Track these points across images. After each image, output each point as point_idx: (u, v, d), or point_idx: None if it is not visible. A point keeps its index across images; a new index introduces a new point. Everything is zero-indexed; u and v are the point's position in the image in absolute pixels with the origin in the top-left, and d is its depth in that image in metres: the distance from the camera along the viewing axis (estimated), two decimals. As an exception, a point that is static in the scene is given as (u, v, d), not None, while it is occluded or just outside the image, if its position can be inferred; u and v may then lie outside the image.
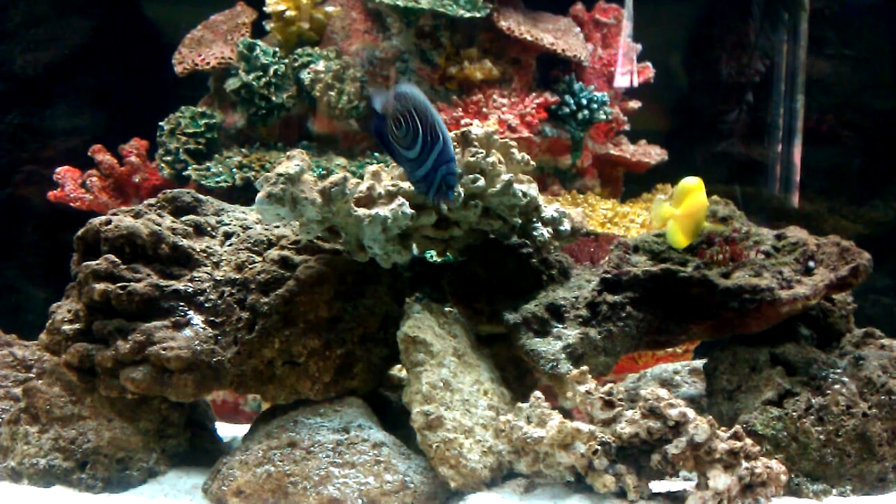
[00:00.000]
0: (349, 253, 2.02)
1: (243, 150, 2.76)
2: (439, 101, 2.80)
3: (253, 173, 2.64)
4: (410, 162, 1.80)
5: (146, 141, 2.88)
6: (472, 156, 2.04)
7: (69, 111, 3.26)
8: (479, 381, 2.00)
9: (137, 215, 2.08)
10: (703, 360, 2.37)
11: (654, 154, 3.00)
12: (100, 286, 1.95)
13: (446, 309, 2.10)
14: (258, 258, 2.05)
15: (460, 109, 2.74)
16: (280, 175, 1.89)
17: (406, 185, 1.97)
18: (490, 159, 2.05)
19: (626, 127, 3.04)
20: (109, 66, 3.40)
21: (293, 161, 1.93)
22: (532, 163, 2.12)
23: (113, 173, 2.81)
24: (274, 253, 2.04)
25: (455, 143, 2.07)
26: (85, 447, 1.96)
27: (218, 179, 2.63)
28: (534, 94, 2.79)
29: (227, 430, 2.43)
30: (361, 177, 2.05)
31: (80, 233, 2.07)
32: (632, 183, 3.11)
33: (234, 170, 2.65)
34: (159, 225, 2.06)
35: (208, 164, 2.70)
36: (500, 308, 2.11)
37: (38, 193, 3.13)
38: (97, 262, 1.98)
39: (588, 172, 2.93)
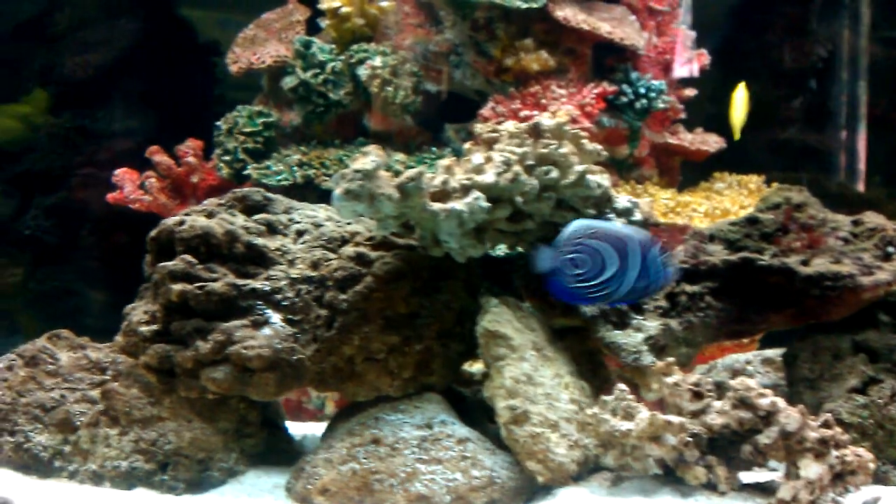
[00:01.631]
0: (424, 248, 2.00)
1: (301, 147, 2.75)
2: (495, 94, 2.78)
3: (313, 171, 2.63)
4: (613, 280, 1.79)
5: (201, 141, 2.87)
6: (545, 147, 2.02)
7: (120, 113, 3.27)
8: (560, 374, 1.98)
9: (210, 215, 2.08)
10: (775, 350, 2.35)
11: (712, 142, 2.96)
12: (177, 287, 1.94)
13: (521, 303, 2.08)
14: (333, 255, 2.04)
15: (518, 101, 2.72)
16: (357, 171, 1.88)
17: (480, 177, 1.95)
18: (562, 150, 2.02)
19: (682, 115, 3.01)
20: (158, 67, 3.40)
21: (369, 157, 1.91)
22: (604, 153, 2.10)
23: (171, 174, 2.80)
24: (349, 250, 2.03)
25: (526, 136, 2.05)
26: (166, 448, 1.96)
27: (279, 178, 2.62)
28: (591, 84, 2.77)
29: (296, 429, 2.42)
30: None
31: (153, 233, 2.07)
32: (688, 172, 3.08)
33: (295, 168, 2.64)
34: (232, 224, 2.05)
35: (268, 162, 2.69)
36: (576, 300, 2.09)
37: (94, 196, 3.14)
38: (174, 262, 1.97)
39: (646, 162, 2.90)
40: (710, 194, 2.87)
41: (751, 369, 2.35)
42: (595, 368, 2.18)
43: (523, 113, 2.67)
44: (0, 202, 3.30)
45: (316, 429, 2.44)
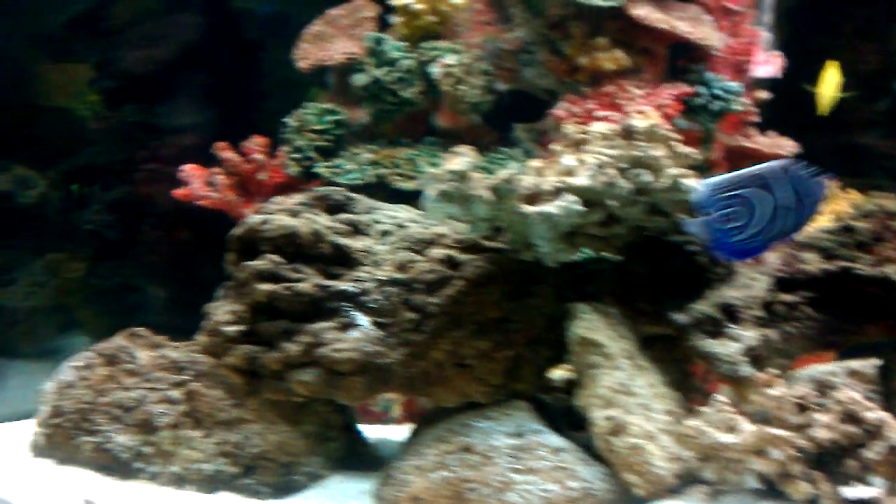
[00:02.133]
0: (514, 251, 1.96)
1: (371, 146, 2.71)
2: (568, 93, 2.72)
3: (384, 170, 2.59)
4: (774, 217, 1.76)
5: (267, 138, 2.84)
6: (637, 150, 1.97)
7: (181, 108, 3.24)
8: (653, 384, 1.93)
9: (294, 214, 2.04)
10: (863, 362, 2.29)
11: (786, 146, 2.90)
12: (264, 287, 1.91)
13: (610, 310, 2.03)
14: (419, 257, 2.00)
15: (592, 101, 2.67)
16: (451, 172, 1.84)
17: (573, 180, 1.91)
18: (655, 153, 1.97)
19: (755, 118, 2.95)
20: (216, 62, 3.37)
21: (462, 158, 1.87)
22: (697, 156, 2.04)
23: (238, 171, 2.77)
24: (437, 252, 1.98)
25: (617, 137, 2.00)
26: (251, 451, 1.93)
27: (350, 176, 2.59)
28: (668, 84, 2.71)
29: (369, 432, 2.39)
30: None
31: (237, 232, 2.03)
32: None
33: (366, 166, 2.60)
34: (317, 223, 2.01)
35: (338, 161, 2.65)
36: (665, 308, 2.04)
37: (156, 191, 3.11)
38: (260, 261, 1.94)
39: (719, 165, 2.84)
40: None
41: (836, 381, 2.29)
42: (682, 378, 2.13)
43: (598, 113, 2.62)
44: (60, 197, 3.29)
45: (389, 433, 2.41)
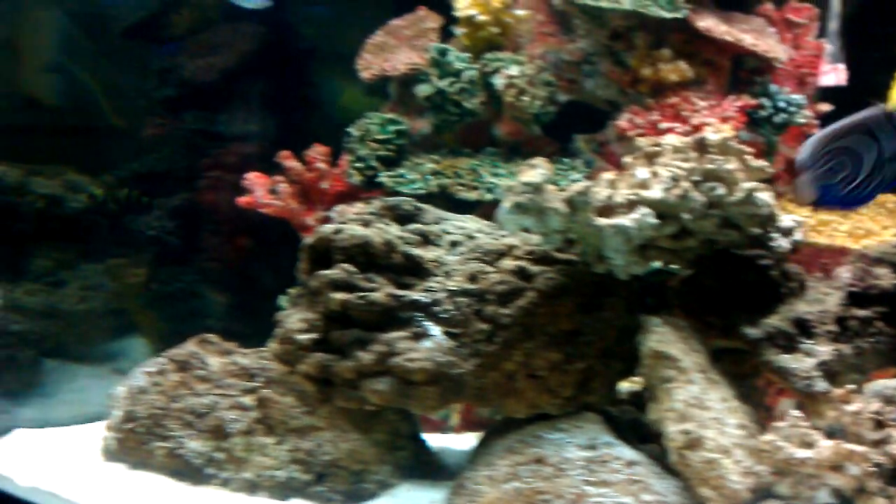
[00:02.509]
0: (586, 264, 1.96)
1: (433, 156, 2.72)
2: (631, 104, 2.72)
3: (447, 180, 2.60)
4: (880, 163, 1.75)
5: (328, 147, 2.87)
6: (710, 163, 1.96)
7: (242, 116, 3.28)
8: (725, 398, 1.92)
9: (366, 224, 2.06)
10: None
11: (849, 158, 2.87)
12: (338, 296, 1.92)
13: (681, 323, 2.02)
14: (490, 268, 2.01)
15: (656, 113, 2.66)
16: (526, 185, 1.85)
17: (647, 192, 1.91)
18: (729, 166, 1.97)
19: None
20: (275, 71, 3.41)
21: (537, 170, 1.88)
22: (771, 169, 2.03)
23: (300, 179, 2.80)
24: (509, 263, 1.99)
25: (690, 150, 2.00)
26: (323, 459, 1.94)
27: (414, 186, 2.60)
28: (731, 96, 2.70)
29: (431, 441, 2.40)
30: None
31: (310, 241, 2.05)
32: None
33: (429, 176, 2.62)
34: (389, 233, 2.03)
35: (401, 170, 2.67)
36: (736, 322, 2.03)
37: (218, 198, 3.15)
38: (334, 271, 1.95)
39: (781, 178, 2.82)
40: (846, 213, 2.78)
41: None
42: (749, 392, 2.12)
43: (662, 125, 2.62)
44: (114, 202, 3.33)
45: (450, 441, 2.41)
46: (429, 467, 2.14)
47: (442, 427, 2.68)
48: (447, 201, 2.62)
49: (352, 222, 2.06)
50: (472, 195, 2.58)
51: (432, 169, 2.65)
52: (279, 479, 1.93)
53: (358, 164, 2.72)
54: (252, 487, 1.95)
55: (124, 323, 3.53)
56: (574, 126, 2.90)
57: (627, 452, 1.84)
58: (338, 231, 2.01)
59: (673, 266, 2.14)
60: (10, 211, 3.30)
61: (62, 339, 3.36)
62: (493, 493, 1.81)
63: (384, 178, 2.67)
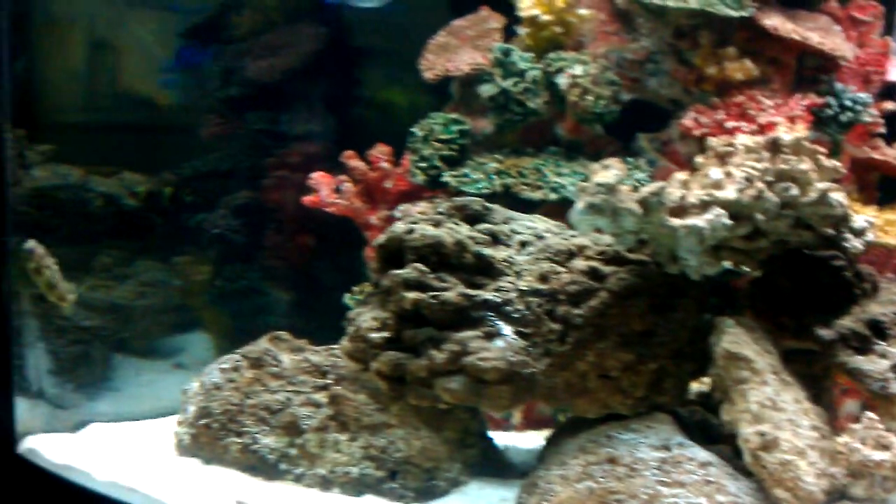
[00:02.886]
0: (658, 264, 1.96)
1: (495, 155, 2.73)
2: (695, 103, 2.71)
3: (511, 179, 2.61)
4: None
5: (390, 147, 2.89)
6: (784, 163, 1.95)
7: (304, 117, 3.31)
8: (798, 399, 1.91)
9: (437, 224, 2.07)
10: None
11: (916, 158, 2.84)
12: (411, 295, 1.94)
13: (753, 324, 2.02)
14: (560, 268, 2.02)
15: (722, 112, 2.65)
16: (600, 185, 1.85)
17: (720, 193, 1.90)
18: (802, 167, 1.96)
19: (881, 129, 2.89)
20: (334, 71, 3.43)
21: (611, 170, 1.88)
22: (843, 170, 2.02)
23: (364, 179, 2.82)
24: (580, 263, 2.00)
25: (763, 150, 1.99)
26: (396, 456, 1.97)
27: (478, 186, 2.61)
28: (798, 95, 2.68)
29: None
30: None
31: (382, 241, 2.08)
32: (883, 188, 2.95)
33: (493, 176, 2.63)
34: (460, 233, 2.04)
35: (464, 170, 2.68)
36: (809, 323, 2.02)
37: (282, 197, 3.19)
38: (407, 270, 1.97)
39: (845, 177, 2.79)
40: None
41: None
42: (820, 394, 2.11)
43: (728, 124, 2.60)
44: (184, 201, 3.38)
45: (514, 440, 2.42)
46: (497, 465, 2.15)
47: (504, 425, 2.69)
48: (509, 201, 2.63)
49: (423, 222, 2.08)
50: (537, 195, 2.58)
51: (496, 168, 2.66)
52: (353, 475, 1.95)
53: (421, 164, 2.74)
54: (325, 483, 1.98)
55: (184, 319, 3.59)
56: (636, 125, 2.89)
57: (701, 453, 1.84)
58: (410, 231, 2.04)
59: (742, 267, 2.13)
60: (74, 209, 3.37)
61: (124, 334, 3.42)
62: (566, 493, 1.82)
63: (448, 177, 2.69)
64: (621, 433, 1.90)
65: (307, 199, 2.81)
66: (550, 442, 2.03)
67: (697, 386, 2.18)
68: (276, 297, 3.18)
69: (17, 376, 2.49)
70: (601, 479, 1.81)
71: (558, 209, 2.50)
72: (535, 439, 2.43)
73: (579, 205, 1.86)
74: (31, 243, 2.55)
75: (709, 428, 2.09)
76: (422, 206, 2.72)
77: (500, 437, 2.41)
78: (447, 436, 2.01)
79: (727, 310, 2.04)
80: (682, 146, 2.76)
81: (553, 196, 2.57)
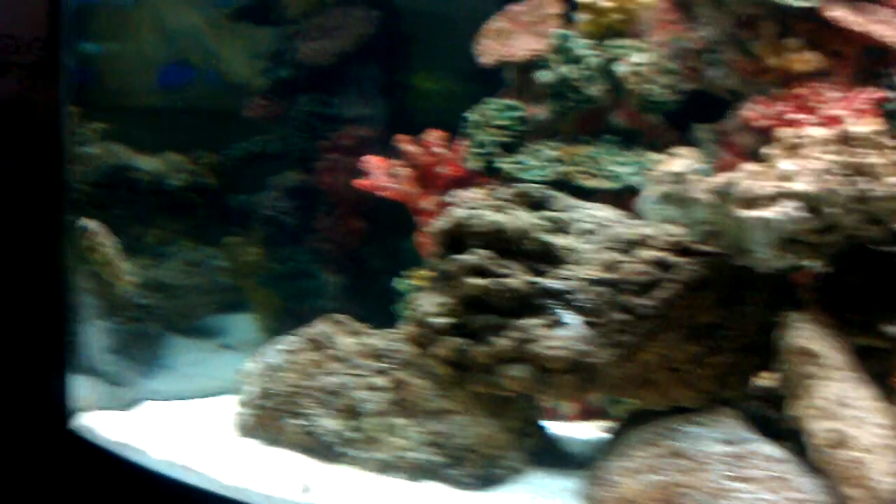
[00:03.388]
0: (728, 256, 1.94)
1: (551, 143, 2.71)
2: (755, 94, 2.67)
3: (567, 167, 2.59)
4: None
5: (445, 132, 2.87)
6: (856, 156, 1.92)
7: (355, 100, 3.30)
8: (867, 396, 1.88)
9: (499, 209, 2.06)
10: None
11: (980, 153, 2.78)
12: (475, 281, 1.93)
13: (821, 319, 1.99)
14: (626, 258, 1.99)
15: (783, 103, 2.61)
16: (671, 174, 1.83)
17: (791, 185, 1.87)
18: (873, 160, 1.92)
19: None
20: (385, 54, 3.42)
21: (682, 160, 1.86)
22: (918, 164, 1.98)
23: (418, 163, 2.81)
24: (647, 253, 1.97)
25: (834, 142, 1.95)
26: (457, 443, 1.96)
27: (534, 173, 2.59)
28: (861, 88, 2.63)
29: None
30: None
31: (442, 226, 2.06)
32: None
33: (549, 163, 2.61)
34: (521, 220, 2.03)
35: (520, 157, 2.66)
36: (877, 320, 1.99)
37: (334, 180, 3.18)
38: (470, 256, 1.96)
39: (908, 172, 2.74)
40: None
41: None
42: (888, 391, 2.08)
43: (790, 116, 2.56)
44: (234, 182, 3.40)
45: (568, 430, 2.41)
46: (555, 455, 2.14)
47: (556, 415, 2.68)
48: (564, 189, 2.61)
49: (484, 208, 2.06)
50: (593, 183, 2.56)
51: (552, 156, 2.64)
52: (413, 460, 1.95)
53: (476, 150, 2.72)
54: (385, 467, 1.98)
55: (228, 299, 3.60)
56: (692, 115, 2.86)
57: (769, 449, 1.82)
58: (472, 216, 2.02)
59: (809, 262, 2.10)
60: (125, 188, 3.38)
61: (165, 312, 3.43)
62: (631, 485, 1.81)
63: (503, 164, 2.67)
64: (686, 426, 1.88)
65: (360, 182, 2.80)
66: (613, 433, 2.02)
67: (758, 381, 2.16)
68: (326, 280, 3.18)
69: (72, 353, 2.50)
70: (667, 473, 1.80)
71: (612, 198, 2.48)
72: (588, 430, 2.42)
73: (650, 193, 1.84)
74: (87, 222, 2.57)
75: (771, 423, 2.07)
76: (476, 192, 2.71)
77: (552, 427, 2.40)
78: (508, 424, 2.01)
79: (790, 305, 2.01)
80: (741, 137, 2.72)
81: (609, 185, 2.55)
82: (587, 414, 2.58)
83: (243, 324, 3.61)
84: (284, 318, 3.20)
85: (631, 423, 1.97)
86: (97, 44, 3.16)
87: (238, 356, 3.29)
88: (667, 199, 1.82)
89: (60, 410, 2.44)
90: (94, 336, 2.64)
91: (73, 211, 2.63)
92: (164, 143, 3.57)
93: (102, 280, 2.61)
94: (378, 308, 2.95)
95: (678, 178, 1.82)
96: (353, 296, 3.17)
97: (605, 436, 2.10)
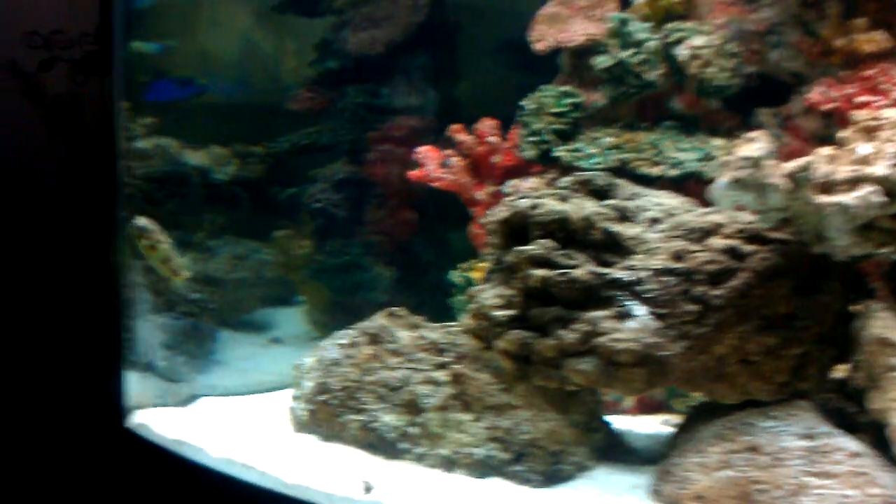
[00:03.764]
0: (803, 244, 1.86)
1: (609, 129, 2.64)
2: (821, 77, 2.58)
3: (628, 155, 2.52)
4: None
5: (497, 120, 2.81)
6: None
7: (405, 90, 3.25)
8: (952, 388, 1.80)
9: (563, 199, 2.00)
10: None
11: None
12: (539, 272, 1.87)
13: None
14: (695, 246, 1.92)
15: (851, 85, 2.51)
16: (746, 159, 1.76)
17: (870, 169, 1.79)
18: (956, 143, 1.83)
19: None
20: (434, 45, 3.37)
21: (757, 143, 1.78)
22: None
23: (471, 153, 2.75)
24: (719, 242, 1.90)
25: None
26: (521, 438, 1.90)
27: (593, 161, 2.53)
28: (933, 69, 2.53)
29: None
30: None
31: (503, 216, 2.01)
32: None
33: (608, 151, 2.54)
34: (586, 209, 1.96)
35: (577, 144, 2.60)
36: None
37: (384, 171, 3.14)
38: (533, 246, 1.90)
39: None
40: None
41: None
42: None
43: (859, 99, 2.47)
44: (282, 175, 3.37)
45: (630, 424, 2.35)
46: (619, 450, 2.08)
47: (615, 409, 2.62)
48: (623, 177, 2.53)
49: (547, 197, 2.00)
50: (655, 171, 2.49)
51: (611, 143, 2.57)
52: (477, 456, 1.90)
53: (532, 138, 2.66)
54: (448, 464, 1.93)
55: (276, 293, 3.58)
56: (753, 99, 2.77)
57: (849, 443, 1.74)
58: (535, 206, 1.96)
59: (887, 249, 2.02)
60: (175, 183, 3.37)
61: (221, 307, 3.41)
62: (705, 481, 1.74)
63: (561, 152, 2.60)
64: (761, 420, 1.81)
65: (413, 174, 2.75)
66: (683, 428, 1.95)
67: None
68: (377, 273, 3.13)
69: (127, 350, 2.48)
70: (742, 469, 1.73)
71: (671, 186, 2.41)
72: (649, 424, 2.35)
73: (723, 179, 1.77)
74: (144, 220, 2.54)
75: (846, 416, 1.99)
76: (532, 181, 2.65)
77: (616, 422, 2.34)
78: (573, 419, 1.95)
79: (866, 294, 1.93)
80: (806, 121, 2.63)
81: (673, 172, 2.47)
82: (647, 407, 2.52)
83: (292, 317, 3.58)
84: (335, 312, 3.17)
85: (699, 418, 1.91)
86: (150, 41, 3.14)
87: (289, 350, 3.27)
88: (741, 184, 1.74)
89: (116, 408, 2.42)
90: (149, 332, 2.63)
91: (126, 207, 2.62)
92: (212, 137, 3.56)
93: (159, 276, 2.59)
94: (430, 301, 2.90)
95: (753, 162, 1.74)
96: (404, 288, 3.13)
97: (670, 430, 2.04)
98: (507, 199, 2.42)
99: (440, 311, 2.60)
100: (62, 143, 2.47)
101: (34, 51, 2.44)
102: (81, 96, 2.48)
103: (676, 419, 2.28)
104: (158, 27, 3.18)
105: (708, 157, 2.47)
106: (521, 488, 1.87)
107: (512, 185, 2.68)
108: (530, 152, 2.67)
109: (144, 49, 3.06)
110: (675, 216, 2.01)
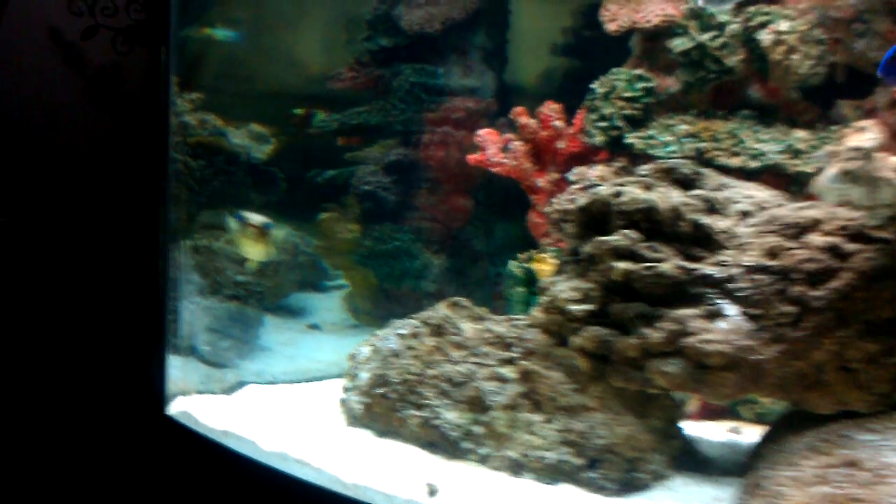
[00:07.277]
0: (911, 244, 1.71)
1: (684, 117, 2.49)
2: (911, 68, 2.42)
3: (704, 144, 2.37)
4: None
5: (561, 104, 2.67)
6: None
7: (461, 70, 3.11)
8: None
9: (648, 187, 1.86)
10: None
11: None
12: (622, 265, 1.74)
13: None
14: (791, 243, 1.78)
15: (944, 77, 2.36)
16: (856, 149, 1.61)
17: None
18: None
19: None
20: (491, 26, 3.23)
21: (867, 134, 1.64)
22: None
23: (534, 138, 2.61)
24: (818, 239, 1.75)
25: None
26: (596, 443, 1.77)
27: (668, 149, 2.38)
28: None
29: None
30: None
31: (582, 203, 1.88)
32: None
33: (684, 139, 2.39)
34: (673, 199, 1.83)
35: (650, 131, 2.45)
36: None
37: (438, 155, 3.00)
38: (616, 237, 1.77)
39: None
40: None
41: None
42: None
43: (957, 91, 2.31)
44: (327, 156, 3.25)
45: (698, 430, 2.21)
46: (695, 459, 1.94)
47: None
48: (703, 167, 2.39)
49: (631, 185, 1.86)
50: (735, 161, 2.34)
51: (686, 131, 2.42)
52: (548, 461, 1.77)
53: (601, 124, 2.52)
54: (516, 467, 1.80)
55: (313, 278, 3.46)
56: (831, 90, 2.61)
57: (961, 462, 1.60)
58: (618, 193, 1.83)
59: None
60: (221, 161, 3.25)
61: (254, 291, 3.29)
62: (799, 497, 1.60)
63: (633, 139, 2.46)
64: (860, 433, 1.66)
65: (472, 158, 2.61)
66: (770, 439, 1.81)
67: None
68: (426, 262, 2.99)
69: (170, 333, 2.37)
70: (841, 485, 1.58)
71: (747, 178, 2.26)
72: (718, 431, 2.21)
73: (830, 171, 1.63)
74: (243, 213, 2.45)
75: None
76: (599, 169, 2.51)
77: (694, 429, 2.21)
78: (652, 424, 1.81)
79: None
80: (892, 115, 2.47)
81: (753, 164, 2.32)
82: (712, 413, 2.38)
83: (328, 304, 3.47)
84: (377, 299, 3.04)
85: (787, 428, 1.76)
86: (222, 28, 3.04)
87: (328, 338, 3.15)
88: (851, 177, 1.60)
89: (157, 394, 2.30)
90: (193, 315, 2.51)
91: (174, 182, 2.50)
92: (253, 115, 3.44)
93: (209, 257, 2.48)
94: (477, 293, 2.78)
95: (864, 153, 1.60)
96: (455, 278, 2.99)
97: (745, 439, 1.90)
98: (575, 186, 2.29)
99: (486, 304, 2.47)
100: (107, 115, 2.36)
101: (77, 18, 2.33)
102: (123, 66, 2.37)
103: (746, 427, 2.15)
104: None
105: (790, 149, 2.32)
106: (595, 496, 1.74)
107: (578, 172, 2.54)
108: (599, 138, 2.53)
109: (218, 37, 2.95)
110: (767, 209, 1.87)
